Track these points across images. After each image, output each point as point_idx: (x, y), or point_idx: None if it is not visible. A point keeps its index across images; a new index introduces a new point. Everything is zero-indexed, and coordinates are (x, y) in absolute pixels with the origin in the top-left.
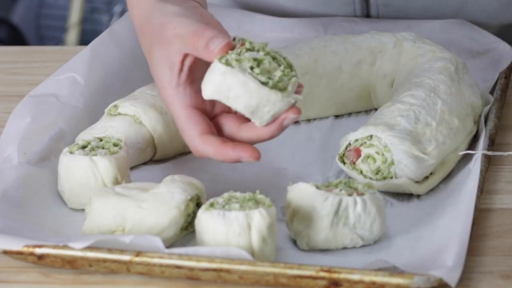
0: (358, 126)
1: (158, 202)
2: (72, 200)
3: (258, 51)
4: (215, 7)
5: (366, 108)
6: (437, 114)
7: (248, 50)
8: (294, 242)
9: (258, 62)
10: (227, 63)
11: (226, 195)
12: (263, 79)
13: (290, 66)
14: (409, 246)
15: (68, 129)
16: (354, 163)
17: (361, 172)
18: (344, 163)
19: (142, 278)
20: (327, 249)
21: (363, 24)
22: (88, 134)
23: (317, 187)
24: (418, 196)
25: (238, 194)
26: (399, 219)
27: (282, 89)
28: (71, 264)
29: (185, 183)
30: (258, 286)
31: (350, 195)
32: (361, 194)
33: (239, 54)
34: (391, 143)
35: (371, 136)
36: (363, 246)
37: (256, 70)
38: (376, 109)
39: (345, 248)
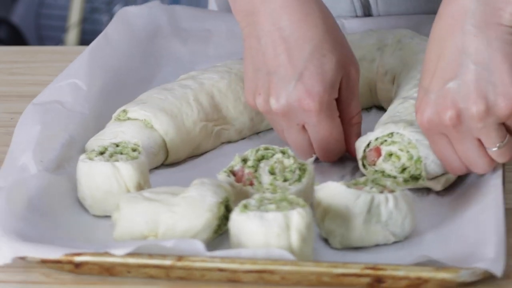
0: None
1: (190, 206)
2: (95, 207)
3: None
4: (206, 11)
5: (367, 106)
6: None
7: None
8: (325, 240)
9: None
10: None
11: (257, 196)
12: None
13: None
14: (440, 241)
15: (77, 136)
16: (374, 164)
17: (382, 173)
18: (364, 167)
19: (143, 280)
20: (360, 247)
21: (352, 23)
22: (99, 140)
23: (347, 186)
24: (437, 191)
25: (269, 195)
26: (423, 214)
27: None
28: (109, 271)
29: (214, 186)
30: (299, 286)
31: (381, 192)
32: (391, 191)
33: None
34: (416, 139)
35: (391, 134)
36: (395, 242)
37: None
38: (376, 106)
39: (377, 245)
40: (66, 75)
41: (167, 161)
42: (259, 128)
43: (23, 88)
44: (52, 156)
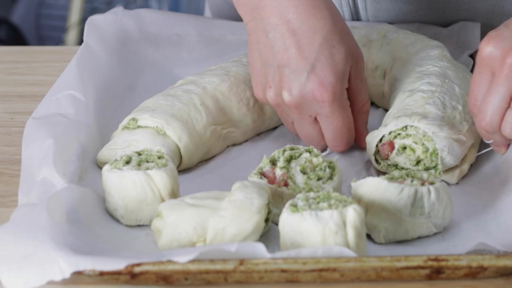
0: None
1: (239, 209)
2: (127, 217)
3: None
4: (169, 15)
5: None
6: (459, 97)
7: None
8: (367, 236)
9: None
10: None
11: (300, 195)
12: None
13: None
14: (480, 229)
15: (87, 146)
16: (387, 158)
17: (396, 166)
18: (377, 161)
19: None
20: (402, 240)
21: None
22: (111, 150)
23: (388, 180)
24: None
25: (312, 194)
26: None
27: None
28: (165, 279)
29: (257, 188)
30: (357, 282)
31: (422, 184)
32: (431, 183)
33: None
34: (433, 132)
35: (405, 127)
36: (435, 233)
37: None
38: None
39: (418, 237)
40: (60, 87)
41: (179, 168)
42: (260, 129)
43: (23, 88)
44: (72, 168)
